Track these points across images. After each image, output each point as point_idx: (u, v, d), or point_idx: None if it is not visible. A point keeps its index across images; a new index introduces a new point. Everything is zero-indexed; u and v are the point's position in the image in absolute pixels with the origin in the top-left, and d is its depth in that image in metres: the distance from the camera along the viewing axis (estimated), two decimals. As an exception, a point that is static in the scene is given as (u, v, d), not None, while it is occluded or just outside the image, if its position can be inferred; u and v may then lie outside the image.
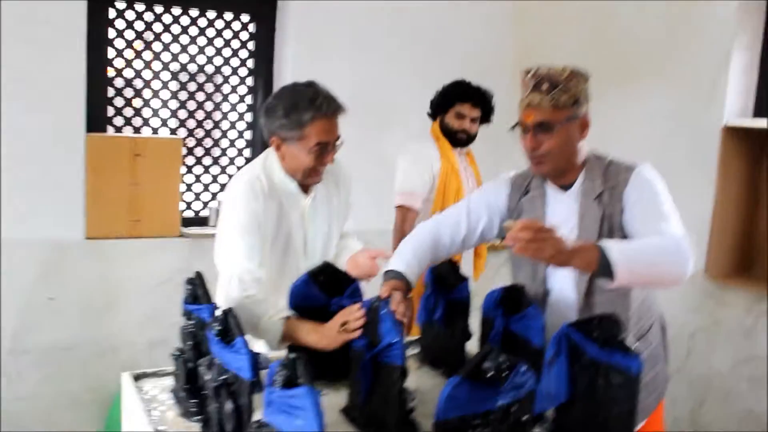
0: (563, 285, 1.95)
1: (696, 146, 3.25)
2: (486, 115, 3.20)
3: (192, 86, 3.62)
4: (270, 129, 2.09)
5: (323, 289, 1.97)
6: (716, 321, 3.23)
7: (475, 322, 2.08)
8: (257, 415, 1.39)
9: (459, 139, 3.18)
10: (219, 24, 3.61)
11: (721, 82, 3.18)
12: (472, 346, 2.14)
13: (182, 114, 3.63)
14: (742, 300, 3.14)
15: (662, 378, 2.10)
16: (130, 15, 3.38)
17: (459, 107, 3.14)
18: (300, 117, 2.02)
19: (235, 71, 3.70)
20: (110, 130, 3.41)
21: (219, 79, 3.70)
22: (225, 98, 3.73)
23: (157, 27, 3.46)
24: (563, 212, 1.94)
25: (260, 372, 1.48)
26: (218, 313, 1.56)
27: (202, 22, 3.56)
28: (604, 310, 1.87)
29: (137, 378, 1.95)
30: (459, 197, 2.98)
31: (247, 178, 2.11)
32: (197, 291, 1.74)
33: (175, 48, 3.53)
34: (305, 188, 2.19)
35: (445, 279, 2.09)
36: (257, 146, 3.73)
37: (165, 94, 3.56)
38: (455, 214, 2.10)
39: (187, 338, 1.75)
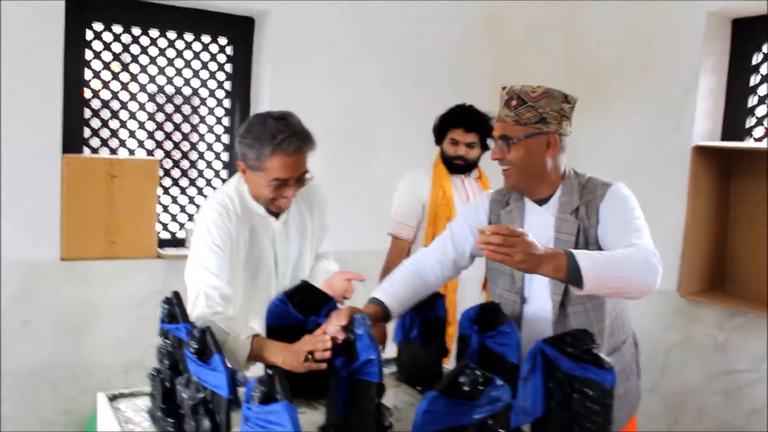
0: (540, 294, 1.99)
1: (667, 167, 3.32)
2: (484, 141, 3.06)
3: (169, 108, 3.63)
4: (239, 153, 2.09)
5: (300, 309, 1.97)
6: (689, 337, 3.28)
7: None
8: (235, 433, 1.39)
9: (456, 166, 3.06)
10: (197, 46, 3.63)
11: (690, 105, 3.26)
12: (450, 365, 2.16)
13: (159, 135, 3.63)
14: (713, 316, 3.19)
15: (634, 393, 2.13)
16: (107, 36, 3.39)
17: (452, 133, 3.04)
18: (261, 150, 2.01)
19: (212, 93, 3.72)
20: (87, 151, 3.41)
21: (196, 101, 3.71)
22: (202, 120, 3.74)
23: (135, 49, 3.47)
24: (540, 225, 1.99)
25: (237, 389, 1.48)
26: (195, 331, 1.56)
27: (180, 44, 3.59)
28: (578, 322, 1.91)
29: (113, 399, 1.93)
30: None
31: (220, 199, 2.12)
32: (174, 310, 1.74)
33: (153, 70, 3.54)
34: (276, 212, 2.19)
35: (422, 297, 2.11)
36: (234, 168, 3.73)
37: (142, 116, 3.57)
38: (440, 241, 2.14)
39: (164, 358, 1.75)
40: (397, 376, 2.22)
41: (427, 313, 2.11)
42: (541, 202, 2.02)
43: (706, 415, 3.20)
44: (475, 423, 1.40)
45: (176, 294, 1.77)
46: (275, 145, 1.99)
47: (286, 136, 2.00)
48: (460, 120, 3.04)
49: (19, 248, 3.12)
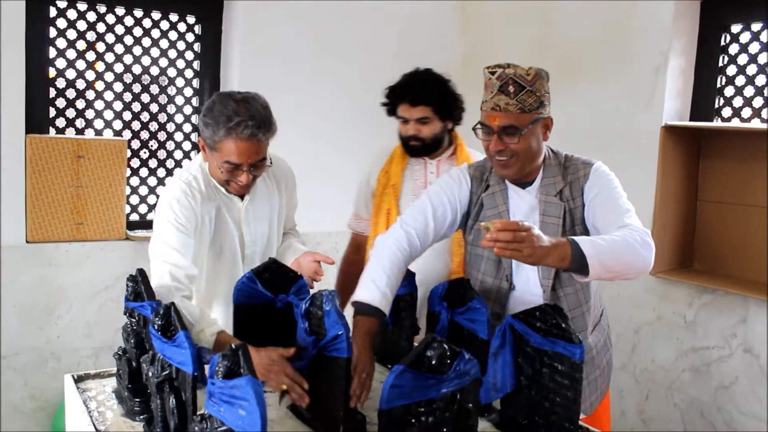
0: (528, 278, 1.97)
1: (637, 147, 3.33)
2: (443, 111, 2.47)
3: (137, 88, 3.56)
4: (200, 129, 2.04)
5: (268, 287, 1.95)
6: (659, 315, 3.31)
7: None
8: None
9: (413, 148, 2.52)
10: (164, 24, 3.56)
11: (660, 85, 3.27)
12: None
13: (127, 116, 3.56)
14: (683, 294, 3.22)
15: (611, 364, 2.17)
16: (71, 14, 3.31)
17: (400, 109, 2.51)
18: (216, 131, 1.95)
19: (180, 72, 3.65)
20: (52, 132, 3.33)
21: (164, 81, 3.64)
22: (171, 100, 3.68)
23: (101, 27, 3.40)
24: (524, 209, 1.97)
25: (203, 366, 1.46)
26: (160, 308, 1.54)
27: (147, 23, 3.52)
28: (569, 304, 1.91)
29: (79, 380, 1.91)
30: (391, 219, 2.46)
31: (185, 177, 2.08)
32: (139, 288, 1.71)
33: (119, 48, 3.47)
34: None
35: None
36: (204, 148, 3.68)
37: (109, 96, 3.50)
38: (421, 217, 1.98)
39: (130, 336, 1.73)
40: (368, 355, 2.21)
41: (398, 290, 2.10)
42: (524, 185, 1.97)
43: (676, 391, 3.24)
44: (444, 397, 1.40)
45: (141, 271, 1.74)
46: (229, 128, 1.93)
47: (242, 119, 1.92)
48: (403, 93, 2.50)
49: (-18, 230, 3.05)
